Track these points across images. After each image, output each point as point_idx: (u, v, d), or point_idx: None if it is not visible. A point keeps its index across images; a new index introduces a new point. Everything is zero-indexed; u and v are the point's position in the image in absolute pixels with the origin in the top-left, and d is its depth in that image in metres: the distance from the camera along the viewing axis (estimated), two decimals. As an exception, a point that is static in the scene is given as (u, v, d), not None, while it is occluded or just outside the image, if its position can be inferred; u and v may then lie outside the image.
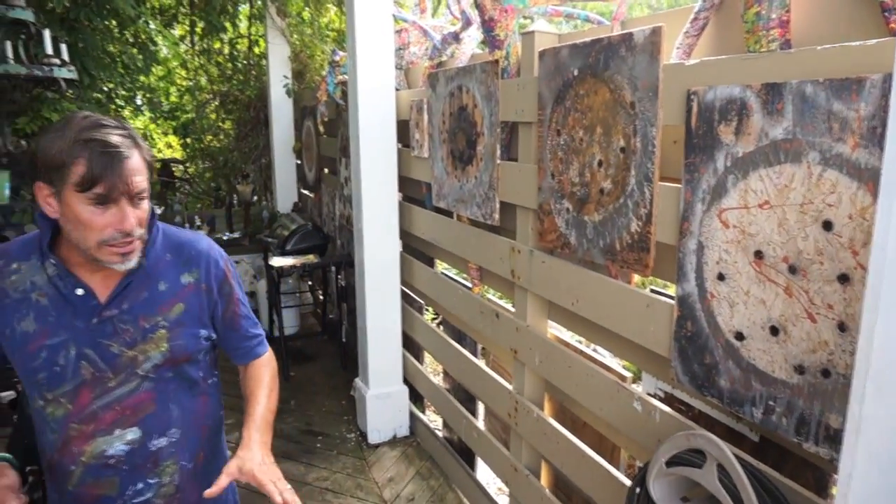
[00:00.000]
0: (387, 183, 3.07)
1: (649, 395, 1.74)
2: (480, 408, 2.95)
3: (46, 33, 2.67)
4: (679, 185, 1.39)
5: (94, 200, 1.04)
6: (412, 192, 3.18)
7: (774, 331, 1.19)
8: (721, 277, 1.31)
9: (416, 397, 3.41)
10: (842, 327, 1.07)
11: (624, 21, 1.69)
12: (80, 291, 1.15)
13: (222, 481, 1.16)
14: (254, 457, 1.23)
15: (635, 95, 1.48)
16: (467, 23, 2.61)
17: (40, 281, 1.14)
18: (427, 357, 3.54)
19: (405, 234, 3.20)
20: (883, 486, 0.82)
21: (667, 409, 1.53)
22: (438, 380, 3.33)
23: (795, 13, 1.17)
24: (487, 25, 2.13)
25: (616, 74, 1.53)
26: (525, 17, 2.25)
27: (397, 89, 3.07)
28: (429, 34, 2.92)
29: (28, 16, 2.59)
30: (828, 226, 1.07)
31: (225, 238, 5.52)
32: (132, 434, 1.22)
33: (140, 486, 1.25)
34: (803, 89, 1.08)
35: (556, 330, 2.21)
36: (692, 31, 1.38)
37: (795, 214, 1.12)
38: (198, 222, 5.45)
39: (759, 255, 1.21)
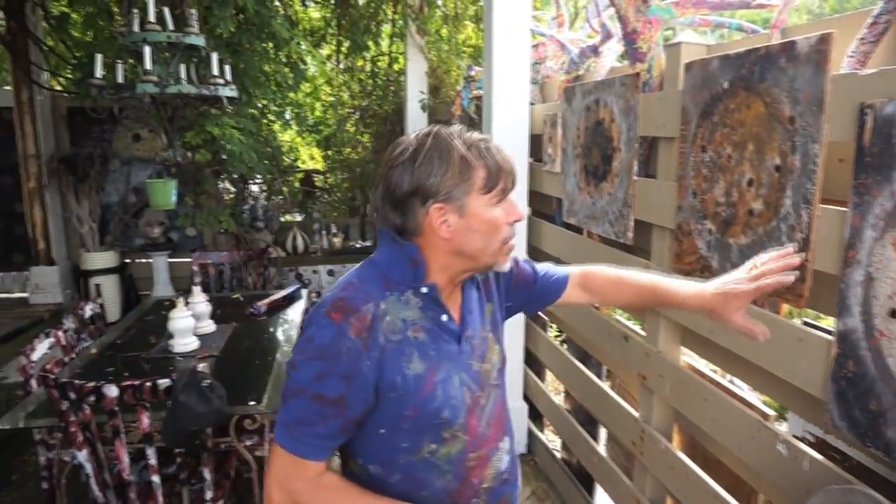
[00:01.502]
0: (517, 197, 3.06)
1: (796, 437, 1.57)
2: (602, 432, 2.83)
3: (214, 56, 2.94)
4: (845, 209, 1.25)
5: (497, 198, 1.06)
6: (541, 207, 3.14)
7: (962, 380, 1.03)
8: (895, 314, 1.15)
9: (535, 415, 3.35)
10: None
11: (784, 29, 1.56)
12: (444, 318, 1.11)
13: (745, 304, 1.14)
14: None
15: (795, 109, 1.36)
16: (607, 35, 2.55)
17: (411, 315, 1.07)
18: (548, 375, 3.46)
19: (532, 249, 3.17)
20: None
21: (818, 456, 1.38)
22: (559, 399, 3.25)
23: None
24: (630, 38, 2.06)
25: (773, 87, 1.41)
26: (667, 29, 2.16)
27: (532, 104, 3.06)
28: (566, 48, 2.89)
29: (200, 41, 2.87)
30: None
31: (357, 246, 5.78)
32: (507, 443, 1.22)
33: (516, 492, 1.25)
34: None
35: (689, 357, 2.07)
36: (869, 37, 1.24)
37: None
38: (333, 230, 5.76)
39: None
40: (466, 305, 1.16)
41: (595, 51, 2.65)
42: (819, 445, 1.55)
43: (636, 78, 2.04)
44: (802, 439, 1.59)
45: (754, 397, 1.97)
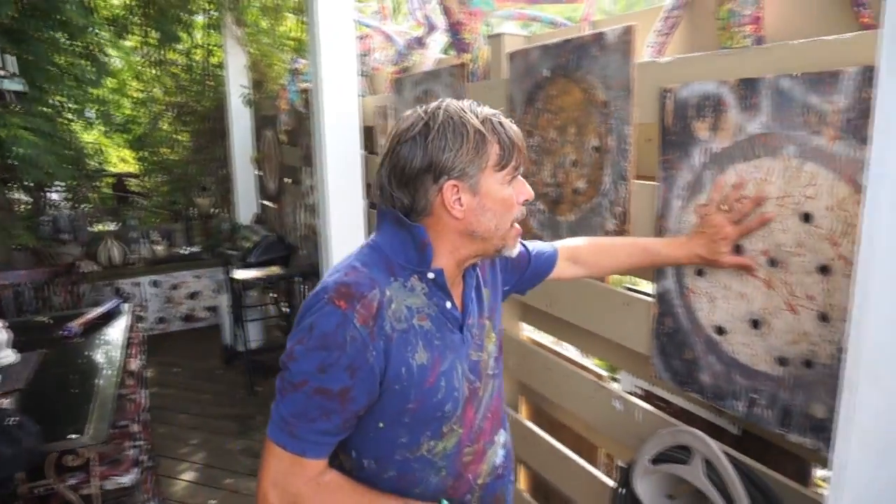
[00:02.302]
0: (353, 190, 3.02)
1: (627, 392, 1.73)
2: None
3: (-9, 43, 2.54)
4: (655, 183, 1.40)
5: (510, 175, 0.99)
6: (379, 200, 3.13)
7: (755, 324, 1.20)
8: (700, 273, 1.31)
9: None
10: (823, 318, 1.08)
11: (593, 22, 1.70)
12: (448, 305, 1.03)
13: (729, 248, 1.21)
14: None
15: (608, 94, 1.48)
16: (431, 27, 2.61)
17: (417, 303, 1.00)
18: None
19: (373, 242, 3.15)
20: (878, 473, 0.83)
21: (648, 406, 1.53)
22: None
23: (767, 9, 1.19)
24: (454, 29, 2.12)
25: (588, 74, 1.54)
26: (485, 25, 2.26)
27: (362, 96, 3.03)
28: (392, 39, 2.90)
29: (-30, 24, 2.46)
30: (807, 218, 1.08)
31: (185, 252, 5.38)
32: (503, 436, 1.18)
33: (510, 486, 1.20)
34: (779, 84, 1.09)
35: (530, 332, 2.20)
36: (664, 29, 1.39)
37: (774, 208, 1.14)
38: (154, 237, 5.30)
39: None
40: (467, 292, 1.10)
41: (421, 42, 2.70)
42: (647, 397, 1.73)
43: (462, 68, 2.11)
44: (633, 394, 1.76)
45: (589, 362, 2.15)
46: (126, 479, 2.30)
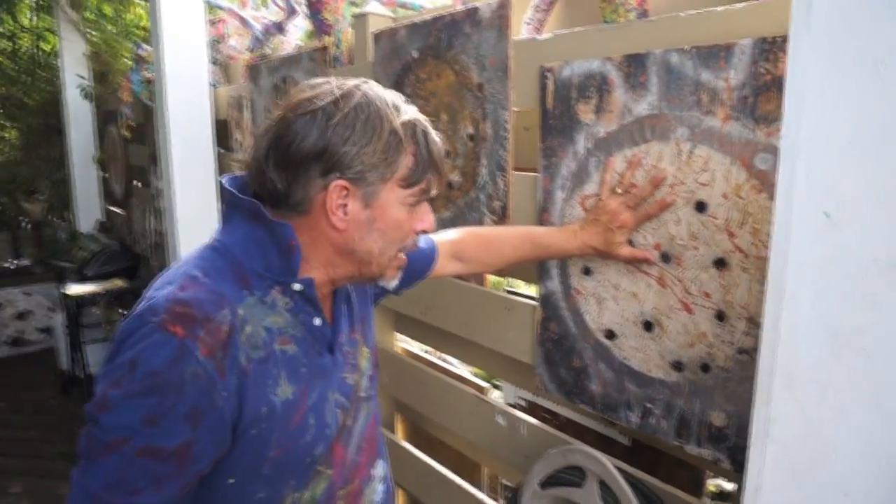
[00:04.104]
0: (204, 191, 2.68)
1: (510, 405, 1.60)
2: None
3: None
4: (536, 174, 1.26)
5: (415, 198, 0.82)
6: (237, 202, 2.82)
7: (648, 326, 1.09)
8: (587, 272, 1.19)
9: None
10: (720, 317, 0.98)
11: (466, 1, 1.55)
12: (318, 321, 0.84)
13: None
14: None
15: (483, 76, 1.33)
16: (292, 12, 2.36)
17: (278, 322, 0.79)
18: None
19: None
20: (795, 497, 0.72)
21: (534, 421, 1.40)
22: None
23: (651, -20, 1.10)
24: (314, 8, 1.90)
25: (461, 54, 1.38)
26: (350, 5, 2.06)
27: (214, 86, 2.71)
28: (249, 24, 2.62)
29: None
30: (701, 207, 0.98)
31: (12, 267, 4.66)
32: (381, 468, 0.99)
33: None
34: (668, 59, 0.99)
35: (405, 343, 2.02)
36: (542, 5, 1.27)
37: (666, 197, 1.03)
38: (-29, 248, 4.55)
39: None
40: (337, 304, 0.91)
41: (280, 28, 2.44)
42: (531, 409, 1.60)
43: (324, 51, 1.89)
44: (516, 406, 1.63)
45: (467, 372, 2.00)
46: None
